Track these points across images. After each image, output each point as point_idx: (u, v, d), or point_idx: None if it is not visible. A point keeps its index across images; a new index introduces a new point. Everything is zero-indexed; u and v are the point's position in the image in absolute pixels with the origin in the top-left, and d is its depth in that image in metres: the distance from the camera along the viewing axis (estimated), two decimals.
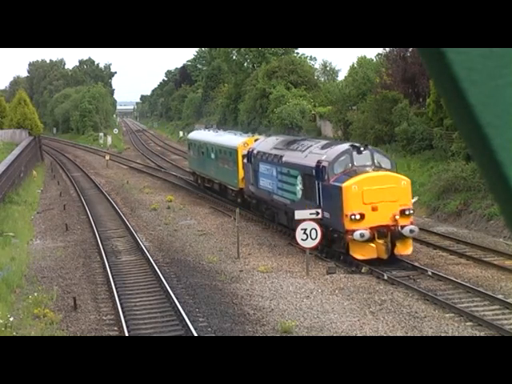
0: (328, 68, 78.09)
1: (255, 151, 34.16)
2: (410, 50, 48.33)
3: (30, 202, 44.76)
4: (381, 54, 56.71)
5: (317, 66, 78.90)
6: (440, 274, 23.62)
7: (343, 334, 18.61)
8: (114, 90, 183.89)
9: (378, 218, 24.64)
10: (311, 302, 21.63)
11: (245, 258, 27.81)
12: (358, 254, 24.74)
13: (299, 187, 28.62)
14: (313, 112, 62.50)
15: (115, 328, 19.66)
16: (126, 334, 18.55)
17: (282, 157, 30.67)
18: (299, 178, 28.61)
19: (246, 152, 35.83)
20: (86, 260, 28.23)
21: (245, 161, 35.77)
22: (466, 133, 1.32)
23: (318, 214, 25.32)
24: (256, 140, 37.06)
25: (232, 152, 38.58)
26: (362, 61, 58.32)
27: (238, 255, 27.97)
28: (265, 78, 71.06)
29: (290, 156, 30.04)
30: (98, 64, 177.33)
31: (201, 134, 49.43)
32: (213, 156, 42.93)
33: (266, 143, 34.29)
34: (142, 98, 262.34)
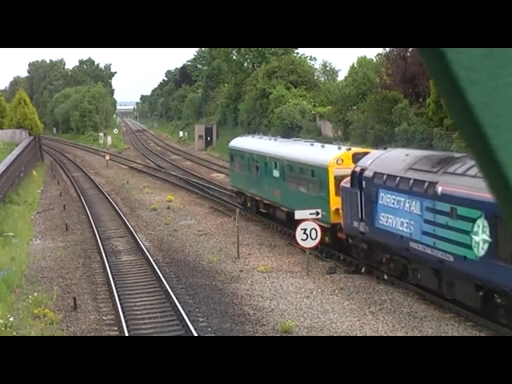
0: (328, 68, 78.11)
1: (369, 172, 23.47)
2: (410, 50, 48.35)
3: (30, 202, 44.76)
4: (381, 54, 56.74)
5: (317, 66, 79.00)
6: None
7: (343, 334, 18.62)
8: (113, 90, 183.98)
9: None
10: (311, 302, 21.63)
11: (245, 258, 27.82)
12: None
13: (482, 237, 18.10)
14: (313, 112, 62.53)
15: (115, 328, 19.66)
16: (126, 334, 18.55)
17: (434, 184, 20.06)
18: (481, 222, 18.03)
19: (340, 171, 26.31)
20: (86, 260, 28.23)
21: (344, 185, 25.08)
22: (466, 133, 1.32)
23: (318, 214, 25.32)
24: (355, 155, 26.75)
25: (318, 171, 27.86)
26: (362, 61, 58.36)
27: (237, 255, 27.97)
28: (265, 77, 71.10)
29: (452, 184, 19.43)
30: (98, 64, 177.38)
31: (252, 143, 37.66)
32: (276, 174, 32.45)
33: (387, 160, 23.48)
34: (142, 98, 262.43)
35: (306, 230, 24.24)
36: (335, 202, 26.30)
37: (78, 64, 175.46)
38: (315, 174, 28.12)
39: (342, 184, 25.37)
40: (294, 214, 28.34)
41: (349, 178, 24.84)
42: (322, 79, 75.92)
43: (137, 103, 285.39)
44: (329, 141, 45.89)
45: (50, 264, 27.62)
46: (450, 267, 19.44)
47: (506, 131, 1.28)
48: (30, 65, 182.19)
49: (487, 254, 17.83)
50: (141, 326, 19.64)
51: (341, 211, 25.60)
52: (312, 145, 31.41)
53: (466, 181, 18.77)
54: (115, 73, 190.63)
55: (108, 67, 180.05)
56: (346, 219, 25.02)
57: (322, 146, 30.26)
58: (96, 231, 33.11)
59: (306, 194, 28.96)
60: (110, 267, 25.81)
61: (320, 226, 26.05)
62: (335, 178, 26.59)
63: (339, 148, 28.61)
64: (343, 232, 25.83)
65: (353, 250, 25.38)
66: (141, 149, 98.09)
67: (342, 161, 26.88)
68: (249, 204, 37.00)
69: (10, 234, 32.64)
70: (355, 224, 24.22)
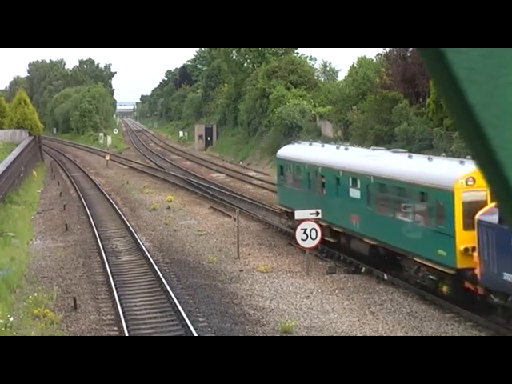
0: (328, 68, 78.11)
1: None
2: (410, 50, 48.35)
3: (30, 202, 44.76)
4: (381, 54, 56.72)
5: (317, 66, 79.00)
6: None
7: (343, 334, 18.62)
8: (113, 90, 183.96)
9: None
10: (311, 302, 21.63)
11: (245, 258, 27.81)
12: None
13: None
14: (313, 112, 62.54)
15: (115, 328, 19.67)
16: (126, 334, 18.55)
17: None
18: None
19: (471, 196, 19.55)
20: (85, 260, 28.23)
21: (486, 218, 18.22)
22: (466, 133, 1.32)
23: (317, 214, 25.31)
24: None
25: (435, 194, 20.61)
26: (362, 61, 58.33)
27: (237, 255, 27.97)
28: (265, 77, 71.12)
29: None
30: (98, 64, 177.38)
31: (313, 152, 30.04)
32: (355, 194, 24.92)
33: None
34: (142, 98, 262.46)
35: (305, 230, 24.22)
36: (464, 239, 19.25)
37: (78, 64, 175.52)
38: (429, 199, 20.84)
39: (481, 217, 18.37)
40: (382, 248, 23.41)
41: (490, 207, 18.18)
42: (322, 79, 75.91)
43: (137, 103, 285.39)
44: (329, 141, 45.87)
45: (50, 264, 27.62)
46: None
47: (506, 131, 1.28)
48: (30, 65, 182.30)
49: None
50: (141, 326, 19.64)
51: (476, 254, 18.69)
52: (410, 156, 23.43)
53: None
54: (115, 73, 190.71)
55: (108, 67, 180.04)
56: (489, 268, 18.06)
57: (429, 159, 22.29)
58: (96, 231, 33.11)
59: (410, 224, 21.59)
60: (109, 267, 25.81)
61: (437, 270, 20.22)
62: (463, 204, 19.53)
63: (461, 162, 20.62)
64: (478, 284, 18.86)
65: (498, 311, 18.39)
66: (141, 149, 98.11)
67: (474, 181, 19.43)
68: None
69: (10, 234, 32.63)
70: (508, 277, 17.33)
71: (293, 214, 27.83)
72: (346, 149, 28.12)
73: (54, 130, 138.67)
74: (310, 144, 31.90)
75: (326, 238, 26.45)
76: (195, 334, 18.15)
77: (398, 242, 22.19)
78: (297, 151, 31.30)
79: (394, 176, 22.60)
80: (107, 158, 70.74)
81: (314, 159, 28.75)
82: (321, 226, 25.77)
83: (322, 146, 30.98)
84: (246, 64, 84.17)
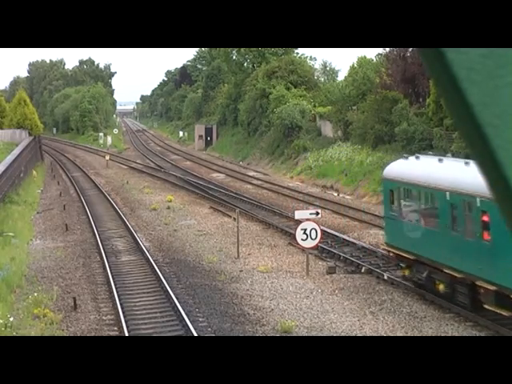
0: (328, 68, 78.11)
1: None
2: (410, 49, 48.36)
3: (30, 202, 44.75)
4: (381, 54, 56.73)
5: (317, 66, 79.01)
6: None
7: (343, 334, 18.62)
8: (113, 90, 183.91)
9: None
10: (311, 302, 21.63)
11: (245, 258, 27.81)
12: None
13: None
14: (313, 112, 62.54)
15: (115, 328, 19.67)
16: (126, 334, 18.55)
17: None
18: None
19: None
20: (85, 260, 28.23)
21: None
22: (466, 133, 1.32)
23: (317, 214, 25.33)
24: None
25: None
26: (362, 61, 58.33)
27: (237, 255, 27.96)
28: (265, 78, 71.13)
29: None
30: (98, 64, 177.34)
31: (452, 173, 19.84)
32: None
33: None
34: (142, 98, 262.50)
35: (305, 230, 24.23)
36: None
37: (78, 64, 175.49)
38: None
39: None
40: None
41: None
42: (322, 79, 75.91)
43: (137, 103, 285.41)
44: (330, 141, 45.86)
45: (50, 264, 27.61)
46: None
47: (506, 131, 1.28)
48: (30, 65, 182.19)
49: None
50: (141, 326, 19.64)
51: None
52: None
53: None
54: (115, 73, 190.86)
55: (108, 67, 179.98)
56: None
57: None
58: (96, 231, 33.11)
59: None
60: (109, 267, 25.81)
61: None
62: None
63: None
64: None
65: None
66: (141, 149, 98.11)
67: None
68: (442, 287, 20.30)
69: (10, 234, 32.62)
70: None
71: (416, 261, 21.29)
72: None
73: (54, 130, 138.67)
74: (441, 160, 21.10)
75: (487, 307, 18.41)
76: (195, 334, 18.15)
77: None
78: (420, 170, 21.39)
79: None
80: (107, 158, 70.73)
81: (462, 185, 18.88)
82: (476, 286, 18.72)
83: (467, 163, 19.18)
84: (246, 64, 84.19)
